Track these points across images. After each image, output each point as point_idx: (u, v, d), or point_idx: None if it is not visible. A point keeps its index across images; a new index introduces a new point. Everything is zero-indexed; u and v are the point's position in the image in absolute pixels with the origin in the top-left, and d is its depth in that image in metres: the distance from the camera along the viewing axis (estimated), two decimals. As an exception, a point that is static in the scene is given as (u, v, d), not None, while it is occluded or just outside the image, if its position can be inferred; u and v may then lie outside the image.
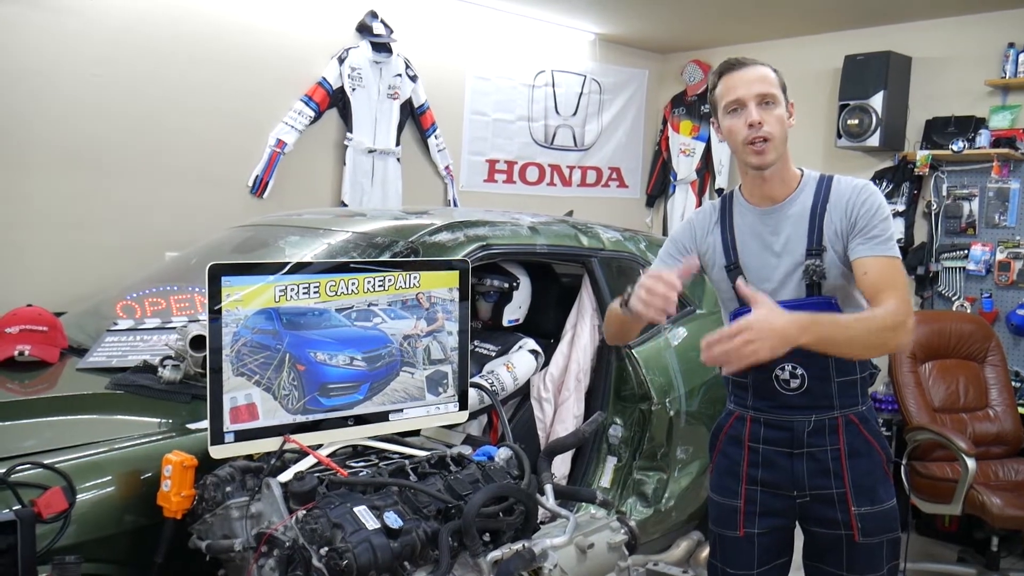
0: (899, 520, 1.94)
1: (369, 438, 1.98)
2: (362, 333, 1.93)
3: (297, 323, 1.84)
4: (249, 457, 1.81)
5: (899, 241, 4.64)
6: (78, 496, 1.67)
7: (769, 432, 1.94)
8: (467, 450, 2.00)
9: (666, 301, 1.70)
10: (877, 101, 4.57)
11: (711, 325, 2.90)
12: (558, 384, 2.97)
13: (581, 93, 5.54)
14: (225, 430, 1.76)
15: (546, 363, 2.99)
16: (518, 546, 1.73)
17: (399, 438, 2.04)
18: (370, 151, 4.41)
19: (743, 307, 1.93)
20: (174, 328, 2.44)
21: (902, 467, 3.59)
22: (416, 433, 2.16)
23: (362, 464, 1.87)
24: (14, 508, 1.57)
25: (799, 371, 1.88)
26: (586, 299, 3.01)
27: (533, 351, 2.93)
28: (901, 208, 4.71)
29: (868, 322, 1.72)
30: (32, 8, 3.40)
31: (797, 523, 1.98)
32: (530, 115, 5.31)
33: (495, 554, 1.70)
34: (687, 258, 1.96)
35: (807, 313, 1.69)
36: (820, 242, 1.86)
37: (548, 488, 1.95)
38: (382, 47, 4.37)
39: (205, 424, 1.77)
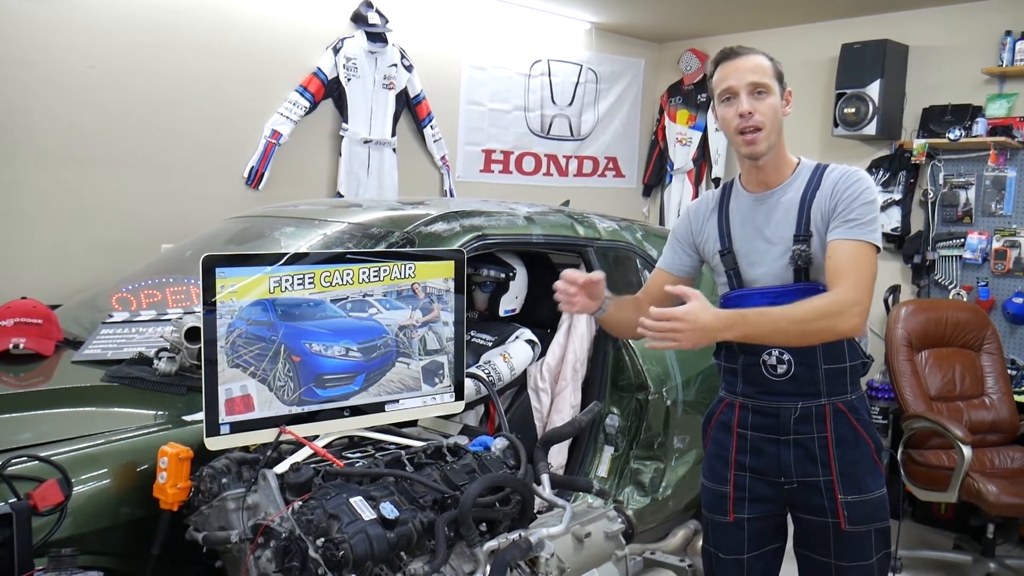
0: (888, 510, 1.95)
1: (365, 429, 1.98)
2: (357, 324, 1.93)
3: (292, 314, 1.84)
4: (245, 448, 1.81)
5: (895, 230, 4.67)
6: (74, 489, 1.67)
7: (756, 419, 1.95)
8: (463, 440, 2.00)
9: (567, 295, 1.93)
10: (874, 90, 4.56)
11: (707, 314, 2.89)
12: (555, 374, 2.97)
13: (577, 83, 5.53)
14: (221, 422, 1.76)
15: (543, 353, 2.99)
16: (515, 536, 1.73)
17: (395, 428, 2.04)
18: (366, 141, 4.40)
19: (733, 291, 1.96)
20: (169, 320, 2.43)
21: (899, 455, 3.60)
22: (413, 423, 2.16)
23: (358, 455, 1.88)
24: (10, 501, 1.57)
25: (786, 356, 1.89)
26: (582, 289, 3.00)
27: (530, 341, 2.92)
28: (898, 197, 4.70)
29: (801, 312, 1.75)
30: (27, 0, 3.38)
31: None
32: (526, 105, 5.30)
33: (491, 544, 1.70)
34: (594, 273, 2.01)
35: (736, 311, 1.77)
36: (807, 228, 1.87)
37: (544, 478, 1.95)
38: (377, 37, 4.35)
39: (201, 416, 1.77)
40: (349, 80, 4.30)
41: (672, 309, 1.68)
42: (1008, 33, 4.33)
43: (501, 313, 3.03)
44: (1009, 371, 3.99)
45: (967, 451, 3.26)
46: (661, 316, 1.68)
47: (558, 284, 1.94)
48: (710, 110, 2.01)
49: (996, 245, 4.42)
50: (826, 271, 1.82)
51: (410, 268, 2.01)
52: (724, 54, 1.90)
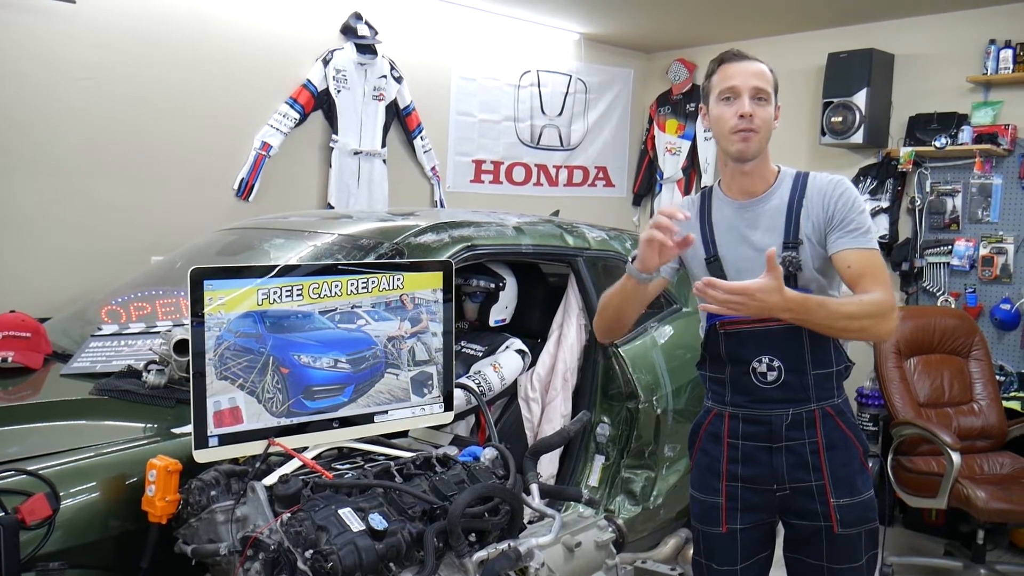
0: (877, 511, 1.97)
1: (354, 440, 1.98)
2: (346, 335, 1.93)
3: (281, 326, 1.84)
4: (234, 461, 1.81)
5: (883, 237, 4.70)
6: (62, 502, 1.66)
7: (748, 427, 1.96)
8: (453, 451, 2.01)
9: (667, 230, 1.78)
10: (860, 98, 4.60)
11: (696, 324, 2.91)
12: (545, 384, 2.98)
13: (567, 93, 5.55)
14: (209, 434, 1.75)
15: (533, 363, 2.99)
16: (504, 546, 1.73)
17: (384, 439, 2.04)
18: (356, 153, 4.41)
19: None
20: (158, 332, 2.43)
21: (888, 461, 3.61)
22: (404, 434, 2.17)
23: (347, 466, 1.87)
24: (-3, 515, 1.57)
25: (776, 363, 1.91)
26: (572, 298, 3.02)
27: (520, 351, 2.93)
28: (885, 204, 4.74)
29: (853, 309, 1.79)
30: (18, 11, 3.38)
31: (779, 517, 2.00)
32: (516, 115, 5.32)
33: (481, 554, 1.70)
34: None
35: (800, 297, 1.75)
36: (797, 235, 1.89)
37: (534, 488, 1.95)
38: (367, 48, 4.37)
39: (189, 428, 1.77)
40: (339, 92, 4.31)
41: (747, 285, 1.67)
42: (992, 42, 4.38)
43: (491, 323, 3.03)
44: (997, 377, 4.01)
45: (956, 457, 3.27)
46: (734, 290, 1.68)
47: (662, 219, 1.78)
48: (699, 117, 2.01)
49: (983, 252, 4.45)
50: (845, 279, 1.87)
51: (398, 279, 2.01)
52: (730, 55, 1.93)
